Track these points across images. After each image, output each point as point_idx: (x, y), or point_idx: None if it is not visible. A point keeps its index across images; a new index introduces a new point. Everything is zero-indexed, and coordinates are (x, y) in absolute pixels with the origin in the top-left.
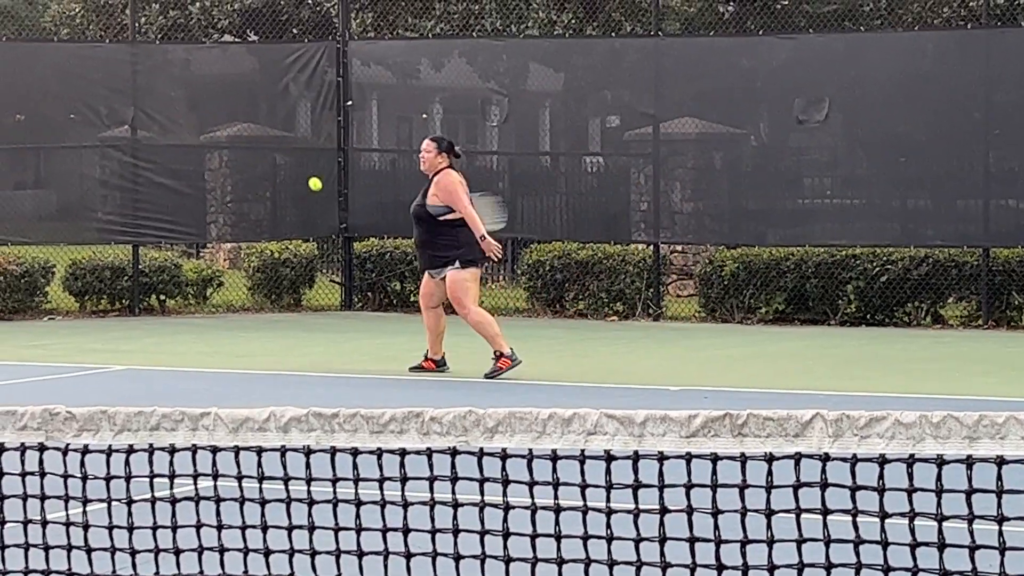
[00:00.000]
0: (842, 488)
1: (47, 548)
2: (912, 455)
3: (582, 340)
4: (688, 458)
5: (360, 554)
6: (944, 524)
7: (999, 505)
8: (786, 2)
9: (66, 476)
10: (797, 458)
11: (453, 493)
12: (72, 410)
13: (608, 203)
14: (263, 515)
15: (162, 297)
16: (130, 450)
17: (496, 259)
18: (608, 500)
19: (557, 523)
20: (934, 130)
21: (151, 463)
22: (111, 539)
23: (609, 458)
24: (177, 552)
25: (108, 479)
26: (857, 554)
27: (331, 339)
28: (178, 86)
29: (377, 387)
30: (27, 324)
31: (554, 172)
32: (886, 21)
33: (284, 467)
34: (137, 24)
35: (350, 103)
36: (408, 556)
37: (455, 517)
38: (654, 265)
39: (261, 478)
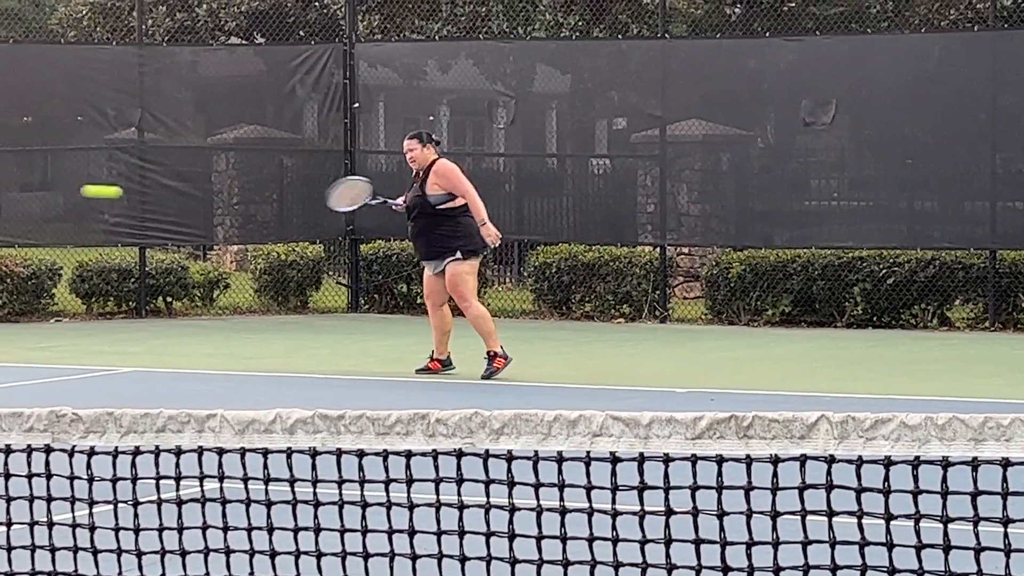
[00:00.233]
0: (847, 490)
1: (53, 550)
2: (917, 457)
3: (588, 342)
4: (693, 460)
5: (366, 556)
6: (949, 526)
7: (1004, 507)
8: (793, 4)
9: (72, 478)
10: (802, 460)
11: (459, 495)
12: (78, 412)
13: (615, 205)
14: (269, 516)
15: (169, 299)
16: (136, 452)
17: (495, 246)
18: (613, 502)
19: (563, 525)
20: (941, 132)
21: (157, 465)
22: (117, 541)
23: (615, 460)
24: (183, 554)
25: (114, 481)
26: (863, 556)
27: (337, 341)
28: (185, 88)
29: (383, 389)
30: (34, 326)
31: (561, 174)
32: (893, 23)
33: (290, 469)
34: (144, 26)
35: (357, 105)
36: (414, 558)
37: (461, 518)
38: (661, 267)
39: (267, 480)
